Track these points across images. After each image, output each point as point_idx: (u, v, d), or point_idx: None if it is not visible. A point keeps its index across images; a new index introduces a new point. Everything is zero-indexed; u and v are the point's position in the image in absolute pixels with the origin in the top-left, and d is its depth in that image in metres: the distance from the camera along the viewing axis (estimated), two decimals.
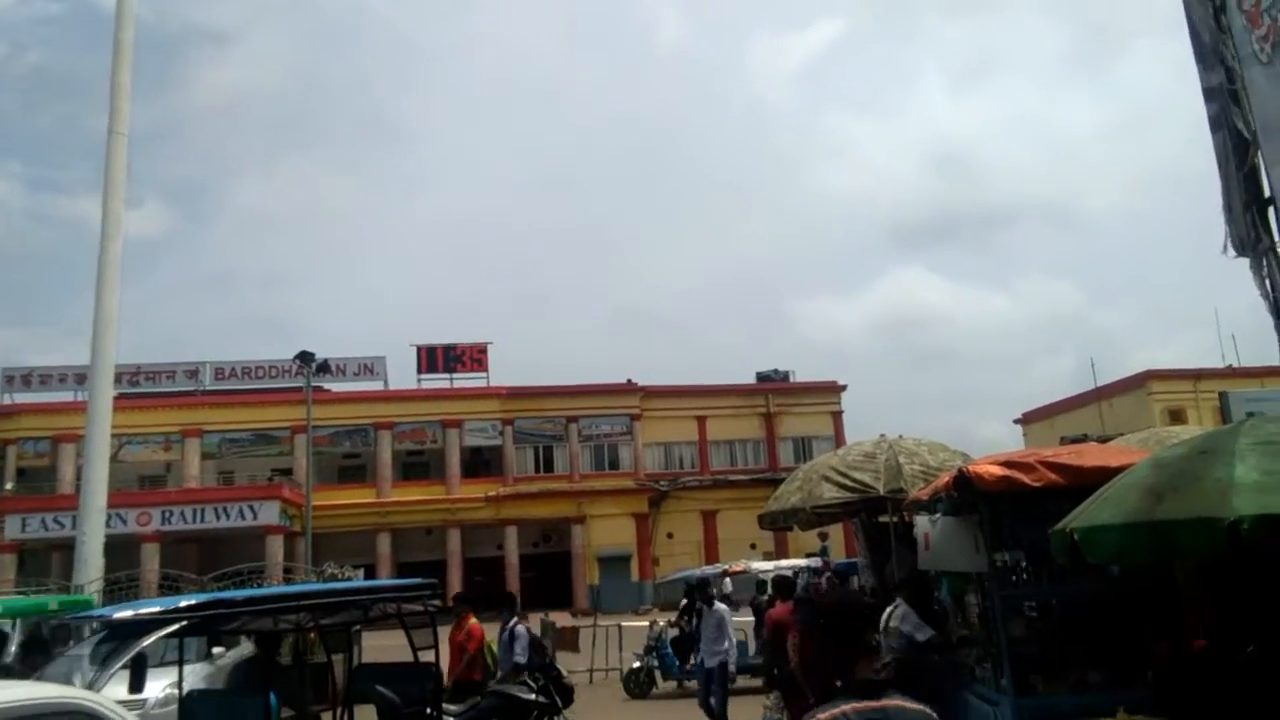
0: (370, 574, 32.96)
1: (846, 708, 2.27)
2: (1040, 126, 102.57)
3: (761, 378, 49.16)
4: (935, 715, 2.28)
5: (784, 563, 24.10)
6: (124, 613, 5.61)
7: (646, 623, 16.78)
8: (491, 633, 9.97)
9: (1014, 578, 6.34)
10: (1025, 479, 6.07)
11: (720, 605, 10.86)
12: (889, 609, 7.93)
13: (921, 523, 6.95)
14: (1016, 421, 54.49)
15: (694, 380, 47.46)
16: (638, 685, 14.46)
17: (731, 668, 10.53)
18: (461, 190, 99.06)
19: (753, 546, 41.42)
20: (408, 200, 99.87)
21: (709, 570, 27.21)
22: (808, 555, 33.57)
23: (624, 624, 18.42)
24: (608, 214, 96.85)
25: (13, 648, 12.41)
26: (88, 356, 18.61)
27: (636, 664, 14.74)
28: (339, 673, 9.41)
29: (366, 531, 39.63)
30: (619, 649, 16.68)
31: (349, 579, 19.70)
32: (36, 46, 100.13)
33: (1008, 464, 6.27)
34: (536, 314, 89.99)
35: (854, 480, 8.80)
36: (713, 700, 10.24)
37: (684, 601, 15.78)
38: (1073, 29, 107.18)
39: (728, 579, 30.24)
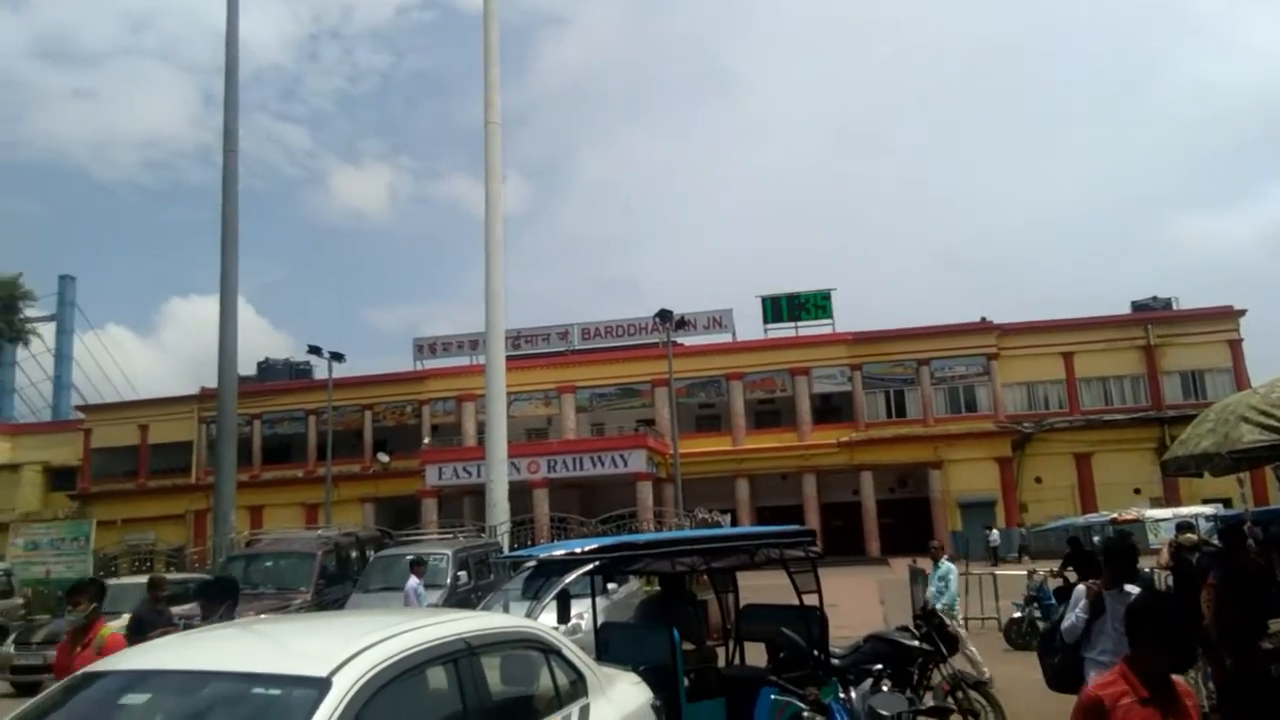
0: (732, 519, 34.40)
1: None
2: None
3: (1137, 307, 44.31)
4: None
5: (1183, 510, 21.71)
6: (551, 553, 6.39)
7: (1024, 571, 15.99)
8: None
9: None
10: None
11: (1135, 589, 6.48)
12: None
13: None
14: None
15: (1056, 315, 43.88)
16: (1020, 636, 13.85)
17: None
18: (792, 136, 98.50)
19: (1137, 491, 37.81)
20: (740, 152, 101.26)
21: (1092, 518, 25.21)
22: (1205, 501, 30.05)
23: (998, 572, 17.72)
24: (947, 147, 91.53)
25: (447, 580, 14.57)
26: (472, 324, 21.20)
27: (1017, 614, 14.13)
28: (713, 612, 9.99)
29: (724, 478, 41.35)
30: (994, 598, 16.07)
31: (717, 523, 20.71)
32: (413, 53, 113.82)
33: None
34: (878, 256, 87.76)
35: None
36: None
37: (1068, 551, 14.83)
38: None
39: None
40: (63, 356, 61.74)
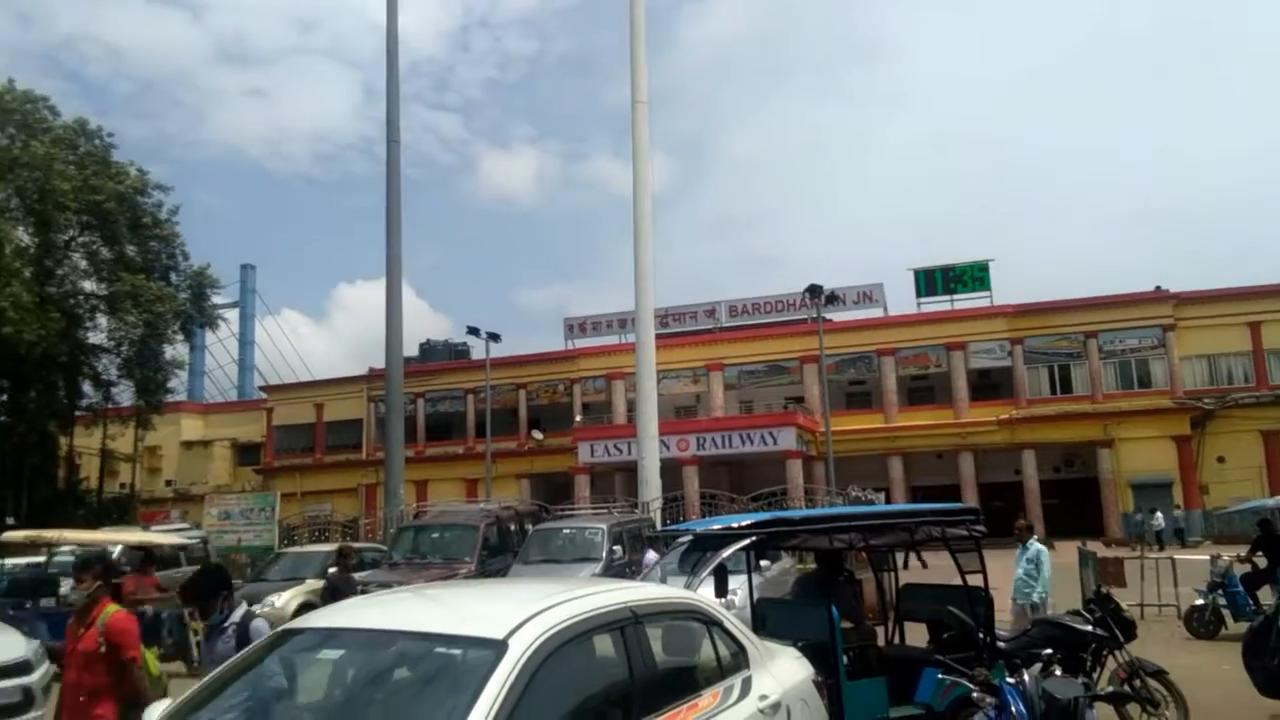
0: (886, 497, 33.66)
1: None
2: None
3: None
4: None
5: None
6: (708, 528, 6.45)
7: (1206, 556, 14.97)
8: None
9: None
10: None
11: None
12: None
13: None
14: None
15: (1241, 282, 40.54)
16: (1203, 625, 12.99)
17: None
18: (945, 101, 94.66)
19: None
20: (890, 119, 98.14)
21: None
22: None
23: (1177, 556, 16.67)
24: (1114, 106, 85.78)
25: (603, 554, 14.97)
26: (621, 302, 21.51)
27: (1200, 601, 13.25)
28: (868, 591, 9.82)
29: (877, 455, 40.41)
30: (1173, 584, 15.13)
31: (871, 502, 20.35)
32: (559, 37, 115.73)
33: None
34: (1038, 225, 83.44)
35: None
36: None
37: (1257, 534, 13.80)
38: None
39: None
40: (245, 341, 66.65)
